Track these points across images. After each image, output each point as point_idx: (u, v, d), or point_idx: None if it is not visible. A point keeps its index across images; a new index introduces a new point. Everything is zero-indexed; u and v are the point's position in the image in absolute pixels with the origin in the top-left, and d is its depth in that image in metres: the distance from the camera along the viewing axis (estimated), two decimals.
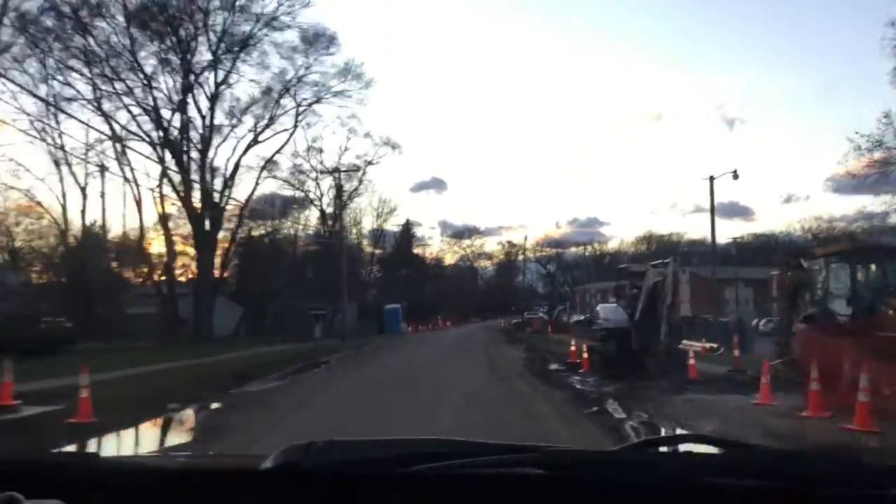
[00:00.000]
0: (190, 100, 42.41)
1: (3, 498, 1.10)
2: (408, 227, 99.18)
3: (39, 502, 1.15)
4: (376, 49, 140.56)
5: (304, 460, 1.42)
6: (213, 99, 41.64)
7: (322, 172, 48.95)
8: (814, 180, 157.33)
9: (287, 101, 54.16)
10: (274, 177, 76.92)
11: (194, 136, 42.78)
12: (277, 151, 56.15)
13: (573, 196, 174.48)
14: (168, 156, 40.17)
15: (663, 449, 1.68)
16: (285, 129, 55.17)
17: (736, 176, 36.21)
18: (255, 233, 67.62)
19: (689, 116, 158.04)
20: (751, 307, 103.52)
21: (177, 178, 45.68)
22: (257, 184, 55.17)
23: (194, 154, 43.40)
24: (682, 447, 1.63)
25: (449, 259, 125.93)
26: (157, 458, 2.16)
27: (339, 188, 48.65)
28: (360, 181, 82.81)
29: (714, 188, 36.66)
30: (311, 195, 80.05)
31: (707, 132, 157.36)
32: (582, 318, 71.85)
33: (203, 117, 42.42)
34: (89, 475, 1.44)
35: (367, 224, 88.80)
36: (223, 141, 45.89)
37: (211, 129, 41.93)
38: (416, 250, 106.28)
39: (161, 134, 39.44)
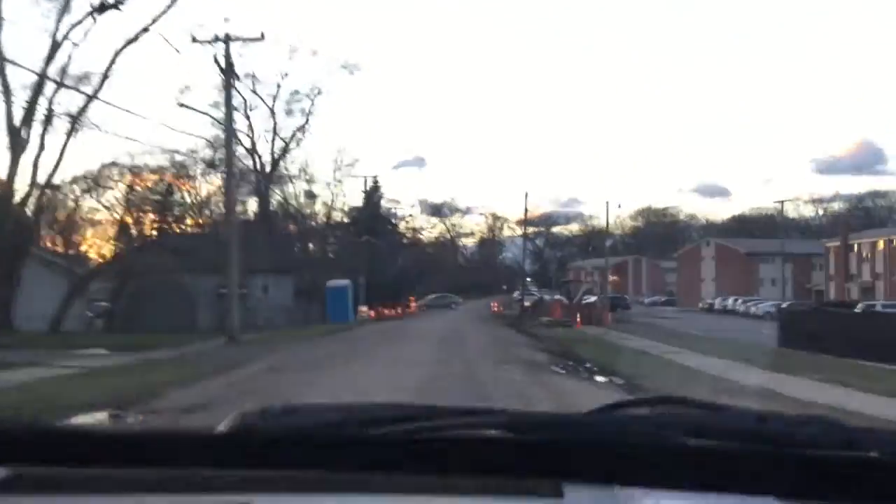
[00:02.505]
0: None
1: None
2: (375, 187, 75.89)
3: None
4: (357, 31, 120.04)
5: (261, 424, 1.35)
6: None
7: (197, 42, 25.42)
8: (797, 160, 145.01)
9: None
10: (185, 106, 54.30)
11: None
12: (145, 29, 33.04)
13: (551, 176, 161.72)
14: None
15: (636, 411, 1.54)
16: None
17: None
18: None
19: (667, 94, 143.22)
20: (790, 288, 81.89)
21: None
22: (106, 76, 32.13)
23: None
24: (656, 409, 1.51)
25: (427, 236, 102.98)
26: (108, 425, 1.74)
27: (227, 65, 25.57)
28: (307, 116, 59.99)
29: None
30: (241, 135, 57.10)
31: (686, 111, 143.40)
32: (613, 296, 49.76)
33: None
34: (35, 440, 1.32)
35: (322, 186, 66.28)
36: None
37: None
38: (392, 223, 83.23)
39: None
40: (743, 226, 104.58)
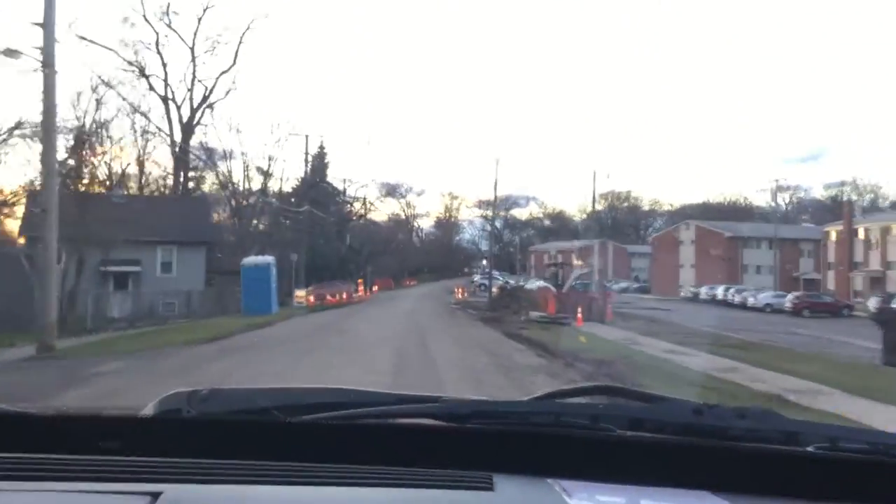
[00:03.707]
0: None
1: None
2: (321, 153, 64.83)
3: None
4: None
5: (186, 408, 1.28)
6: None
7: None
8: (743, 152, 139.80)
9: None
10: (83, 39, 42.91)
11: None
12: None
13: (507, 159, 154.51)
14: None
15: (573, 400, 1.48)
16: None
17: None
18: None
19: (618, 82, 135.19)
20: (776, 276, 73.40)
21: None
22: None
23: None
24: (593, 399, 1.48)
25: (380, 216, 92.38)
26: (28, 406, 1.56)
27: None
28: (235, 56, 48.94)
29: None
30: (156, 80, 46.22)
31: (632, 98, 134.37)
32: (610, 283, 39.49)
33: None
34: None
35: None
36: None
37: None
38: (340, 194, 71.82)
39: None
40: (708, 213, 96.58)
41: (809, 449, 1.22)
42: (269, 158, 52.93)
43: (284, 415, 1.24)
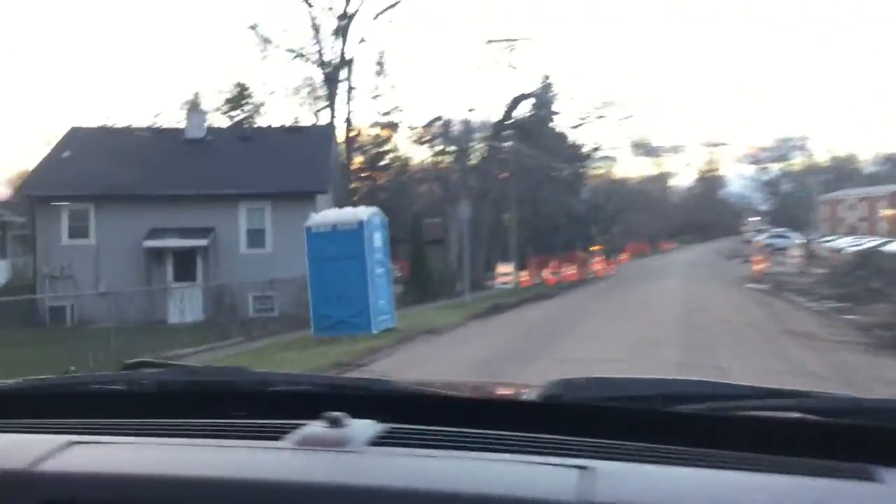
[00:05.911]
0: None
1: (332, 416, 1.17)
2: (546, 87, 47.78)
3: (360, 421, 1.21)
4: None
5: (566, 394, 1.36)
6: None
7: None
8: None
9: None
10: None
11: None
12: None
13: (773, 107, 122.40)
14: None
15: None
16: None
17: None
18: None
19: None
20: None
21: None
22: None
23: None
24: None
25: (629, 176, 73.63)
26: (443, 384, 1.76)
27: None
28: None
29: None
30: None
31: None
32: None
33: None
34: (391, 397, 1.45)
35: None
36: None
37: None
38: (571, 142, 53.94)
39: None
40: None
41: None
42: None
43: (658, 404, 1.26)
